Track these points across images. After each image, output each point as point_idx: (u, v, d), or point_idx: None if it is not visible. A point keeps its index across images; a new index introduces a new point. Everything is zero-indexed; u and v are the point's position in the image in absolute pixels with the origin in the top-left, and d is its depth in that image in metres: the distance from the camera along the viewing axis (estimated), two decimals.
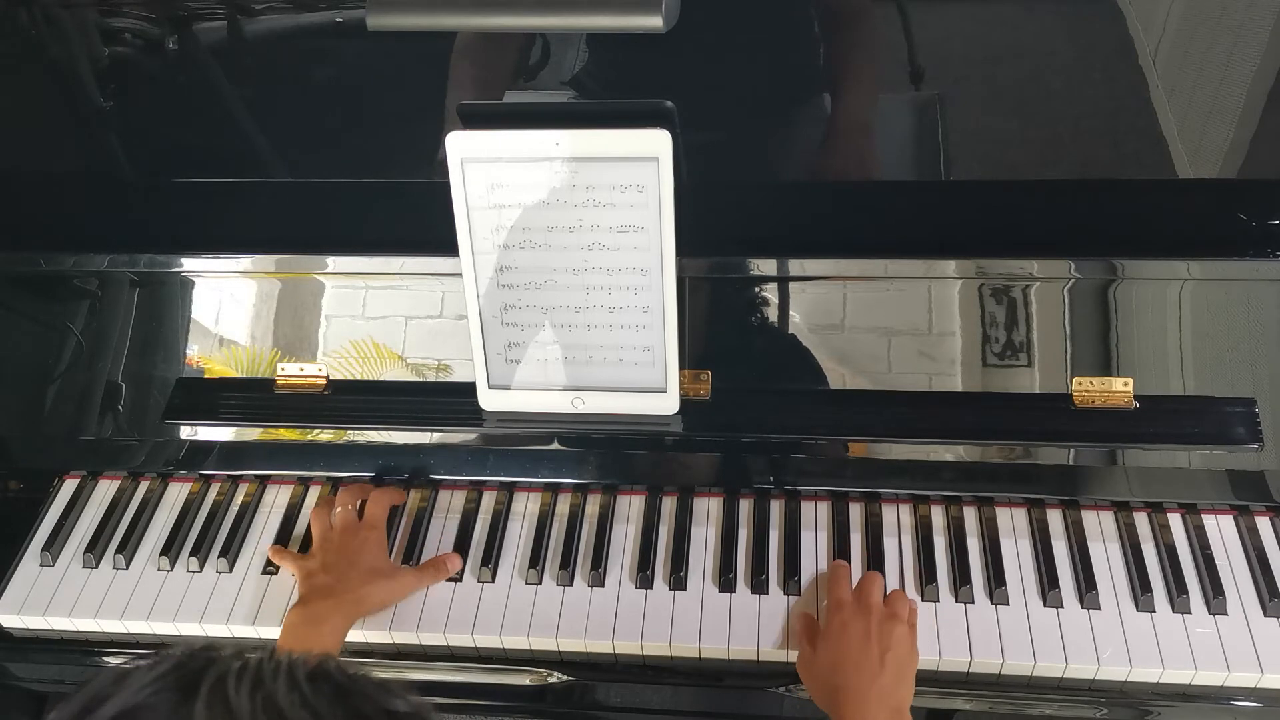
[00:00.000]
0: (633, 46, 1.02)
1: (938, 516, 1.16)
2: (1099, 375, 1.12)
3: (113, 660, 1.18)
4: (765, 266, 1.15)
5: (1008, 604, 1.09)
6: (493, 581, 1.15)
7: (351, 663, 0.56)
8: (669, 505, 1.19)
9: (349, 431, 1.22)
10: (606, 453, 1.19)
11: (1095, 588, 1.08)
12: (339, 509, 1.17)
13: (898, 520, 1.16)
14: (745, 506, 1.18)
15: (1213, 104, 1.03)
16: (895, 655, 1.00)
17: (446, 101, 1.09)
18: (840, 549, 1.14)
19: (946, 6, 1.03)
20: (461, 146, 1.04)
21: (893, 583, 1.11)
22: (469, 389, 1.17)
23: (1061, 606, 1.08)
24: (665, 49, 0.97)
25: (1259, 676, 1.02)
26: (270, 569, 1.18)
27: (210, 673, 0.51)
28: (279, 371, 1.23)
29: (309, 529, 1.20)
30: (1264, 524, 1.13)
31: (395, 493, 1.21)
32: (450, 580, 1.16)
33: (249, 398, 1.23)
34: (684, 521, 1.17)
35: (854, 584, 1.09)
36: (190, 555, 1.20)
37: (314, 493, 1.25)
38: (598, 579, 1.13)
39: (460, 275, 1.11)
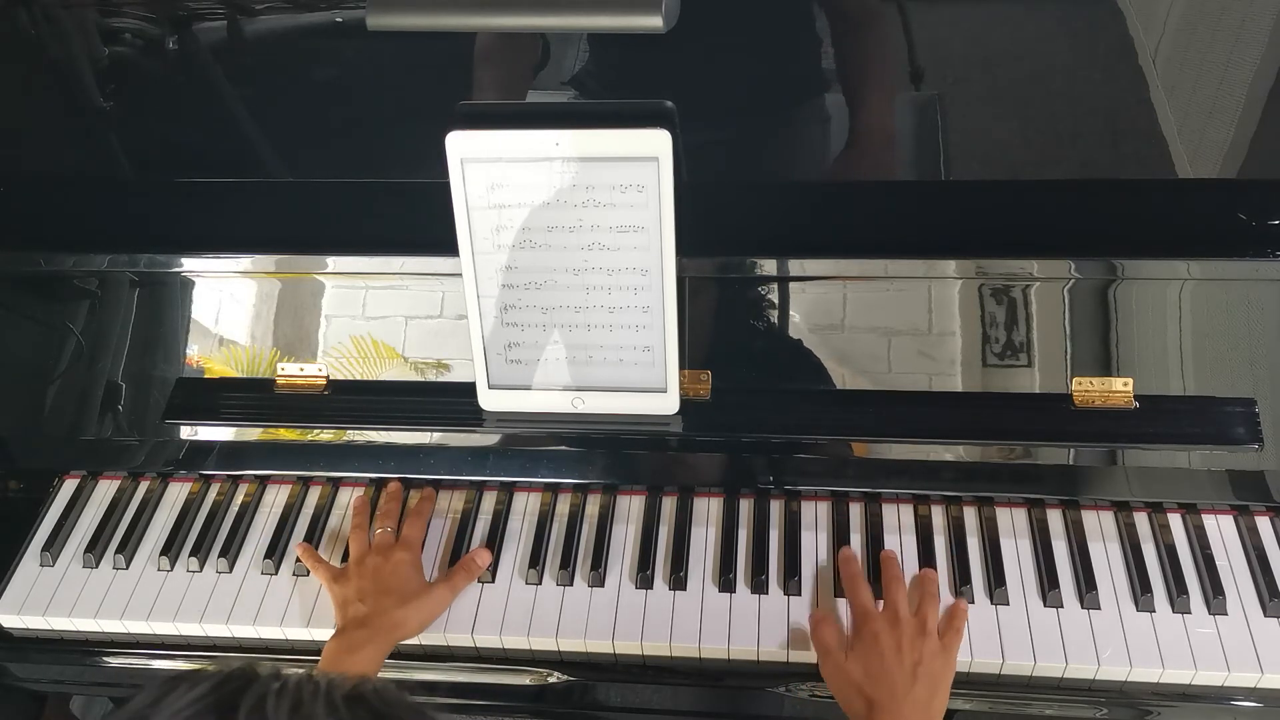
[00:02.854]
0: (633, 46, 1.03)
1: (938, 516, 1.16)
2: (1099, 375, 1.12)
3: (113, 660, 1.18)
4: (765, 266, 1.15)
5: (1008, 604, 1.09)
6: (492, 581, 1.15)
7: (388, 684, 0.56)
8: (669, 505, 1.19)
9: (349, 431, 1.22)
10: (606, 453, 1.19)
11: (1095, 588, 1.08)
12: (378, 530, 1.16)
13: (898, 520, 1.16)
14: (745, 506, 1.18)
15: (1213, 104, 1.03)
16: (928, 669, 0.99)
17: (461, 100, 1.09)
18: (840, 549, 1.13)
19: (946, 6, 1.03)
20: (461, 146, 1.04)
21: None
22: (469, 389, 1.17)
23: (1061, 606, 1.08)
24: (665, 49, 0.97)
25: (1259, 676, 1.02)
26: (270, 569, 1.18)
27: (249, 694, 0.52)
28: (279, 371, 1.23)
29: (309, 527, 1.21)
30: (1264, 524, 1.13)
31: (428, 504, 1.21)
32: None
33: (249, 398, 1.23)
34: (684, 521, 1.17)
35: (857, 584, 1.09)
36: (190, 555, 1.20)
37: (314, 492, 1.25)
38: (598, 579, 1.13)
39: (460, 275, 1.11)
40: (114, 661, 1.18)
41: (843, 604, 1.10)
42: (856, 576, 1.09)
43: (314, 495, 1.25)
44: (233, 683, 0.53)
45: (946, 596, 1.10)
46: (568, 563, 1.14)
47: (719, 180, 1.16)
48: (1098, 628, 1.06)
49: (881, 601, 1.07)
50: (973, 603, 1.09)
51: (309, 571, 1.17)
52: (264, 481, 1.27)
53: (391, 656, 1.11)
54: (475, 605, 1.13)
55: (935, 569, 1.11)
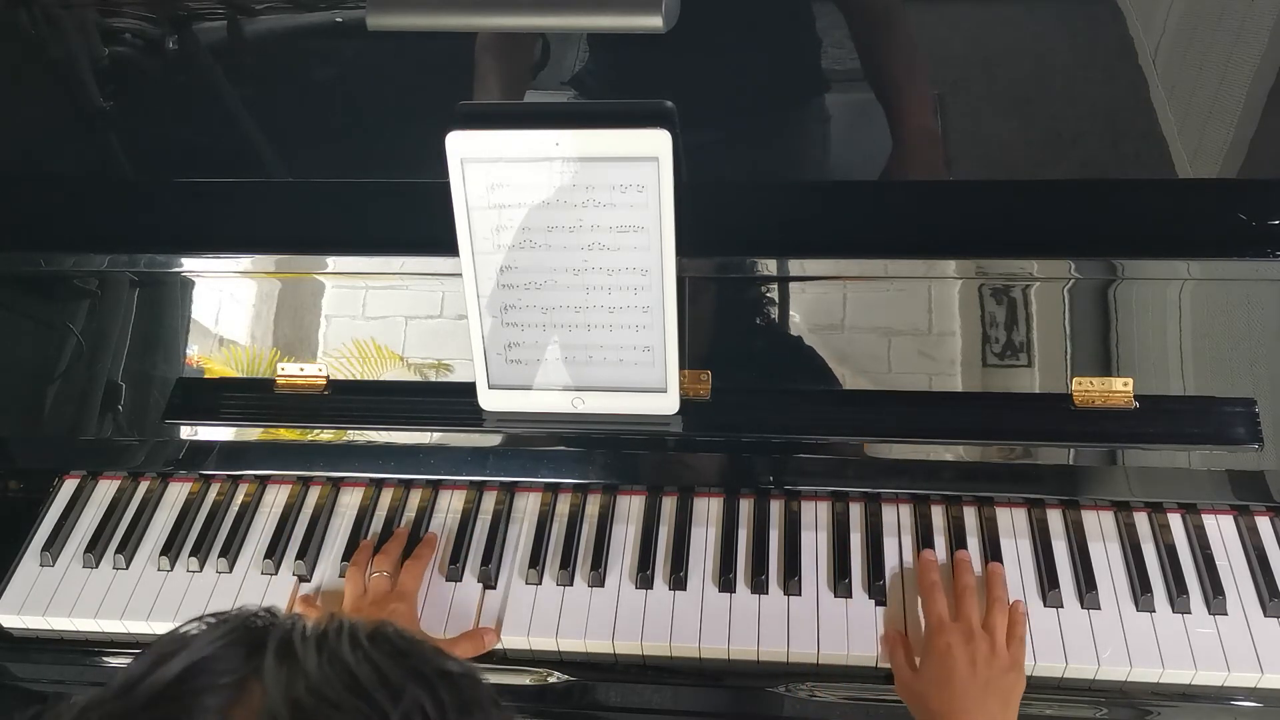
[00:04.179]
0: (633, 46, 1.03)
1: (938, 516, 1.16)
2: (1099, 375, 1.12)
3: (113, 660, 1.18)
4: (765, 266, 1.15)
5: None
6: (493, 582, 1.15)
7: (407, 631, 0.58)
8: (669, 505, 1.19)
9: (349, 431, 1.22)
10: (607, 453, 1.19)
11: (1095, 588, 1.08)
12: (374, 574, 1.13)
13: (898, 520, 1.16)
14: (745, 506, 1.18)
15: (1213, 104, 1.03)
16: (1001, 684, 0.98)
17: (461, 100, 1.09)
18: (840, 549, 1.14)
19: (946, 6, 1.03)
20: (461, 146, 1.04)
21: (892, 584, 1.11)
22: (469, 389, 1.17)
23: (1061, 606, 1.08)
24: (665, 49, 0.97)
25: (1259, 676, 1.02)
26: (270, 569, 1.18)
27: (275, 630, 0.53)
28: (279, 371, 1.23)
29: (309, 527, 1.21)
30: (1264, 524, 1.13)
31: (429, 550, 1.17)
32: (449, 580, 1.16)
33: (249, 398, 1.23)
34: (684, 521, 1.17)
35: (935, 593, 1.07)
36: (190, 555, 1.20)
37: (314, 492, 1.25)
38: (598, 579, 1.13)
39: (460, 275, 1.11)
40: (114, 661, 1.18)
41: (842, 605, 1.10)
42: (936, 585, 1.08)
43: (314, 495, 1.25)
44: (258, 621, 0.55)
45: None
46: (568, 563, 1.14)
47: (719, 180, 1.16)
48: (1098, 628, 1.06)
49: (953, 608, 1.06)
50: None
51: (309, 571, 1.17)
52: (264, 481, 1.27)
53: None
54: (476, 606, 1.13)
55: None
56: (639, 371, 1.13)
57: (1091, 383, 1.12)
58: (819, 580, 1.12)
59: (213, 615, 0.56)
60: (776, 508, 1.18)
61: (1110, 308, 1.12)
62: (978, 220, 1.14)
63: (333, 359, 1.23)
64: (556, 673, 1.11)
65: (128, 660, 1.15)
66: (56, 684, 1.25)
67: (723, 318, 1.17)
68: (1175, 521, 1.14)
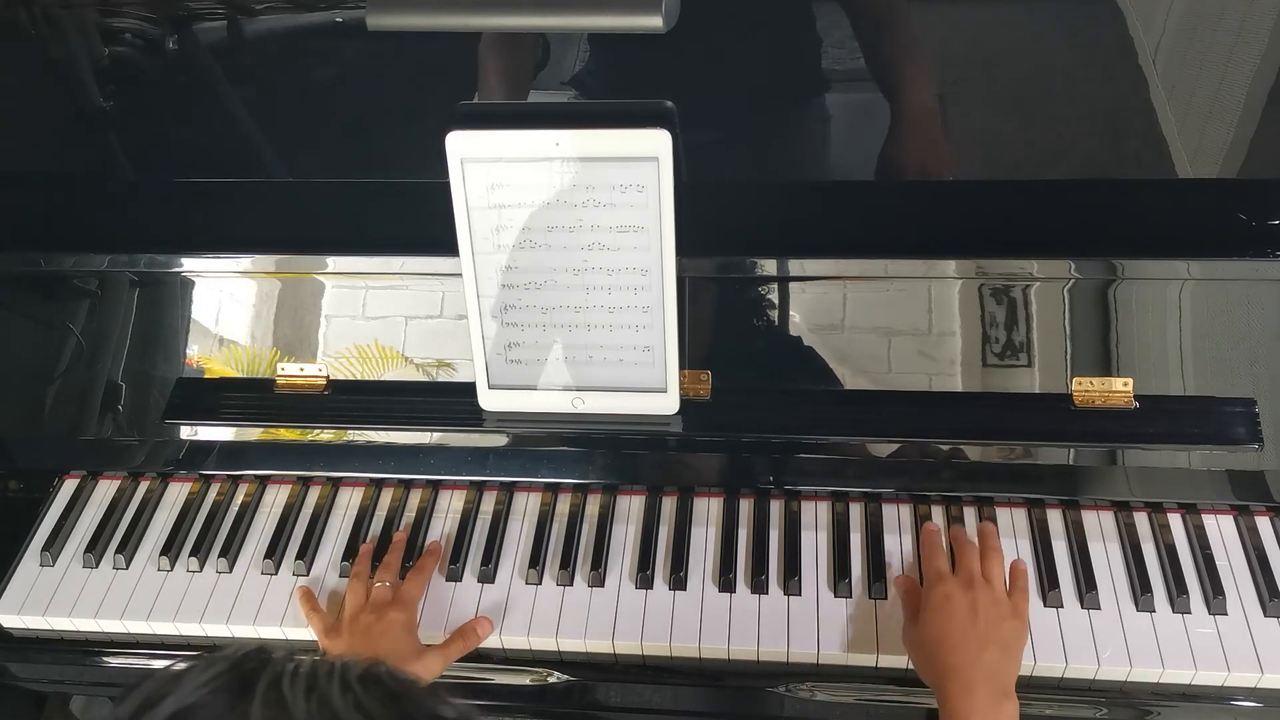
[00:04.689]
0: (633, 46, 1.03)
1: (938, 516, 1.16)
2: (1099, 375, 1.12)
3: (113, 660, 1.18)
4: (765, 266, 1.15)
5: None
6: (492, 582, 1.15)
7: (401, 669, 0.57)
8: (669, 505, 1.19)
9: (349, 431, 1.22)
10: (607, 453, 1.19)
11: (1095, 588, 1.08)
12: (376, 584, 1.12)
13: (898, 520, 1.16)
14: (745, 506, 1.18)
15: (1213, 104, 1.03)
16: (1000, 632, 0.98)
17: (461, 100, 1.09)
18: (840, 549, 1.14)
19: (946, 6, 1.03)
20: (461, 146, 1.04)
21: (892, 584, 1.11)
22: (469, 389, 1.17)
23: (1061, 606, 1.08)
24: (665, 49, 0.97)
25: (1259, 676, 1.02)
26: (270, 569, 1.18)
27: (265, 673, 0.52)
28: (279, 371, 1.23)
29: (309, 527, 1.21)
30: (1264, 524, 1.13)
31: (432, 560, 1.16)
32: (449, 580, 1.16)
33: (249, 398, 1.23)
34: (684, 521, 1.17)
35: (935, 551, 1.08)
36: (190, 555, 1.20)
37: (314, 492, 1.25)
38: (598, 579, 1.13)
39: (460, 275, 1.11)
40: (114, 661, 1.18)
41: (842, 605, 1.10)
42: (936, 546, 1.09)
43: (314, 495, 1.25)
44: (249, 662, 0.53)
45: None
46: (568, 563, 1.14)
47: (719, 180, 1.16)
48: (1097, 628, 1.06)
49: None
50: None
51: (308, 572, 1.18)
52: (264, 481, 1.27)
53: None
54: (475, 606, 1.13)
55: None
56: (639, 371, 1.13)
57: (1091, 383, 1.12)
58: (819, 580, 1.12)
59: (205, 655, 0.55)
60: (776, 508, 1.18)
61: (1110, 308, 1.12)
62: (978, 220, 1.14)
63: (333, 359, 1.23)
64: (556, 673, 1.11)
65: (127, 660, 1.17)
66: (56, 684, 1.26)
67: (723, 318, 1.17)
68: (1175, 521, 1.14)
